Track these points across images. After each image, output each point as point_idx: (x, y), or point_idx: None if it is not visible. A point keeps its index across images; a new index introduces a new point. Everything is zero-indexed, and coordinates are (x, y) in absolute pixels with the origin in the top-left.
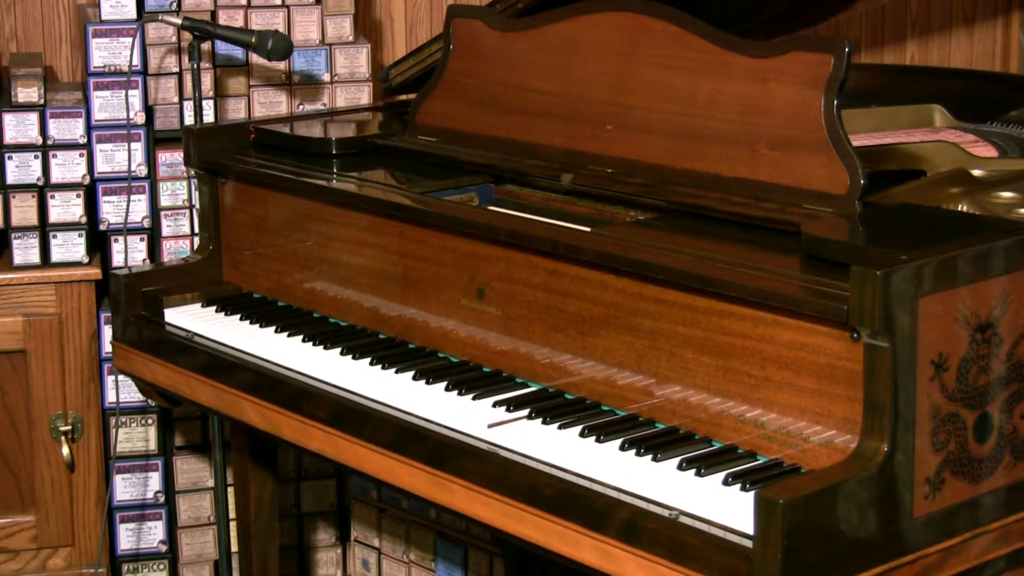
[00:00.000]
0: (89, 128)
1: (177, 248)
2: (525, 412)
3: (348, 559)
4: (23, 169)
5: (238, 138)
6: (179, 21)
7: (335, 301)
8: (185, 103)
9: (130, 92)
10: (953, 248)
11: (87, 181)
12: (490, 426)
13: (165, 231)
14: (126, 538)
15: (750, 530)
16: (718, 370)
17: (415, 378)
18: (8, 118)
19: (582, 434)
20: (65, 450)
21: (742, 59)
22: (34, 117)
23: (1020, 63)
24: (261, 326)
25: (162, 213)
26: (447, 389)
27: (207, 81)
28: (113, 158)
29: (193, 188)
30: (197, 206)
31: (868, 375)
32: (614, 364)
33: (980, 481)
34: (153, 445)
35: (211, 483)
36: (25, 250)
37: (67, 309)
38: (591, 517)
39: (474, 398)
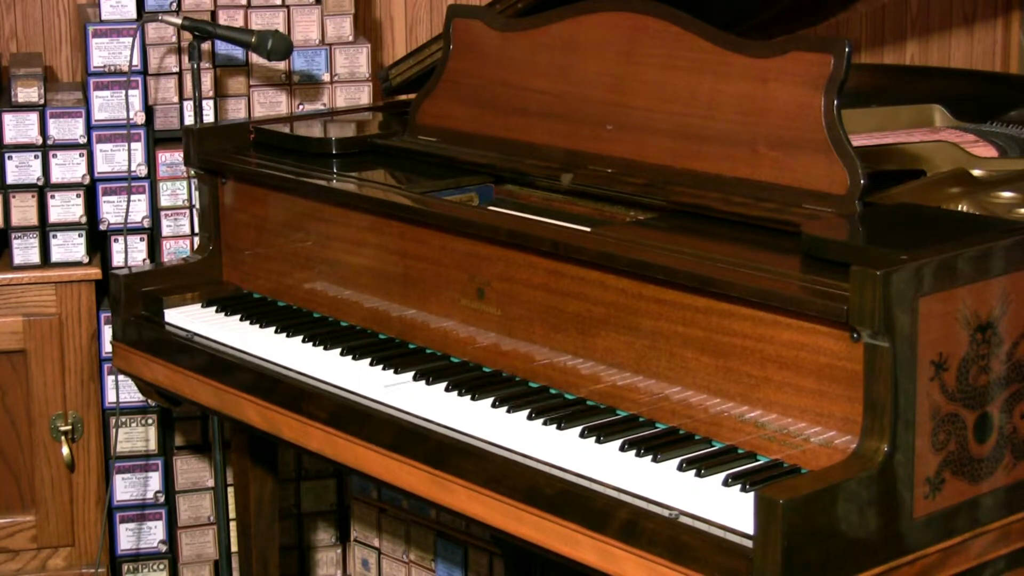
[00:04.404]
0: (89, 128)
1: (177, 248)
2: (525, 412)
3: (348, 559)
4: (23, 169)
5: (238, 138)
6: (179, 21)
7: (335, 301)
8: (185, 103)
9: (130, 92)
10: (953, 248)
11: (87, 181)
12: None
13: (165, 231)
14: (126, 538)
15: (750, 530)
16: (718, 370)
17: (415, 378)
18: (8, 118)
19: (582, 434)
20: (65, 450)
21: (742, 59)
22: (34, 117)
23: (1020, 63)
24: (261, 326)
25: (162, 213)
26: (447, 389)
27: (207, 81)
28: (113, 158)
29: (193, 188)
30: (197, 206)
31: (868, 375)
32: (614, 364)
33: (980, 481)
34: (153, 445)
35: (211, 483)
36: (25, 250)
37: (67, 309)
38: (591, 517)
39: (474, 398)
